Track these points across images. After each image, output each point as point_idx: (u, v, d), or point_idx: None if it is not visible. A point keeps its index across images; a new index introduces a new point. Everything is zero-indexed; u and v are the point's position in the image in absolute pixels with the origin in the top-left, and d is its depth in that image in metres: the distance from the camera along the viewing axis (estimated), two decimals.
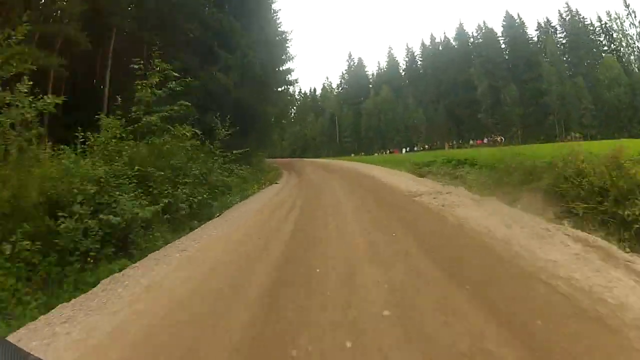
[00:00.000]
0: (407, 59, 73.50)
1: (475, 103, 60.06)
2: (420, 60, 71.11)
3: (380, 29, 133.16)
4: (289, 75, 25.69)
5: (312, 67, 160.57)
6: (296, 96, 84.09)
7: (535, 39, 63.29)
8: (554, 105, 55.36)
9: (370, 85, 73.38)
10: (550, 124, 55.99)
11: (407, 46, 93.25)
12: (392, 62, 74.10)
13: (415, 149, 54.84)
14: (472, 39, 66.73)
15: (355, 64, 76.97)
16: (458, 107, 60.80)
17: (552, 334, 2.40)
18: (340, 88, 78.58)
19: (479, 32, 66.18)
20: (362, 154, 57.22)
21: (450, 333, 2.47)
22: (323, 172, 19.21)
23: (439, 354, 2.29)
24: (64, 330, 2.96)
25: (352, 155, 56.33)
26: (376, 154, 53.49)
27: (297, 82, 27.22)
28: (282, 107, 27.06)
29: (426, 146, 55.04)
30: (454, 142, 53.78)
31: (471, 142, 51.44)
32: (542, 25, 63.36)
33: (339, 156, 51.81)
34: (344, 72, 77.99)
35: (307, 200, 9.58)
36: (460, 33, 67.67)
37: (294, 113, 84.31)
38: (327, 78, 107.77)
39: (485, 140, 49.85)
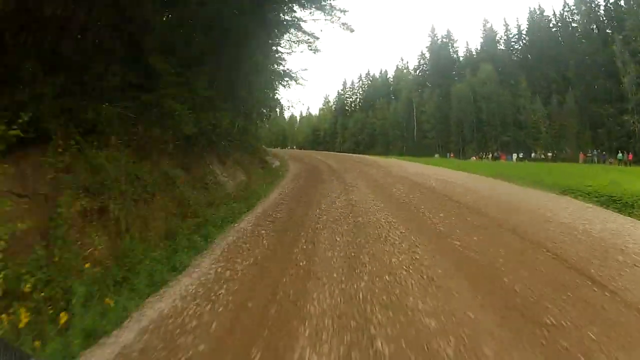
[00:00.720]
0: (505, 37, 57.47)
1: (621, 98, 43.52)
2: (525, 38, 54.47)
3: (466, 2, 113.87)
4: None
5: (382, 46, 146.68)
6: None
7: None
8: None
9: (454, 72, 58.56)
10: None
11: (504, 21, 75.86)
12: (490, 36, 58.19)
13: (533, 155, 39.77)
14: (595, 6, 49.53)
15: (439, 40, 62.45)
16: (594, 102, 44.50)
17: None
18: (418, 70, 64.68)
19: None
20: (451, 155, 43.24)
21: None
22: None
23: None
24: None
25: (436, 156, 42.69)
26: (473, 158, 39.49)
27: None
28: None
29: (549, 154, 39.64)
30: (593, 153, 37.79)
31: (619, 155, 35.43)
32: None
33: (417, 156, 38.66)
34: (425, 50, 63.83)
35: None
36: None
37: (360, 99, 72.59)
38: (402, 59, 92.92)
39: None
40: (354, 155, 35.28)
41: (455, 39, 62.72)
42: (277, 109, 36.64)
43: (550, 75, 47.98)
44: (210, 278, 4.00)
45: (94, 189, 4.25)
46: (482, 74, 47.62)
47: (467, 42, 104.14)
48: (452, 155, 42.94)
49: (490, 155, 40.59)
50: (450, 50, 62.20)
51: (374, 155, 36.83)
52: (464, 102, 46.95)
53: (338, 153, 40.40)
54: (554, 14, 52.84)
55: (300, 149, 71.71)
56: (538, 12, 53.52)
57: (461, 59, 61.28)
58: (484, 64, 48.96)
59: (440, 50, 61.22)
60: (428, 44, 63.49)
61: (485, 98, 45.13)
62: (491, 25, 58.94)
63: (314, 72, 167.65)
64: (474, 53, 59.54)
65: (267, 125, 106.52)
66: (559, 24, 51.51)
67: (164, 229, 5.10)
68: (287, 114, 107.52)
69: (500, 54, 55.06)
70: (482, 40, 59.20)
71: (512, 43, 56.16)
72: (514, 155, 38.90)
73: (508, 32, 57.02)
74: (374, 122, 60.02)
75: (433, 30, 65.85)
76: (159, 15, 6.93)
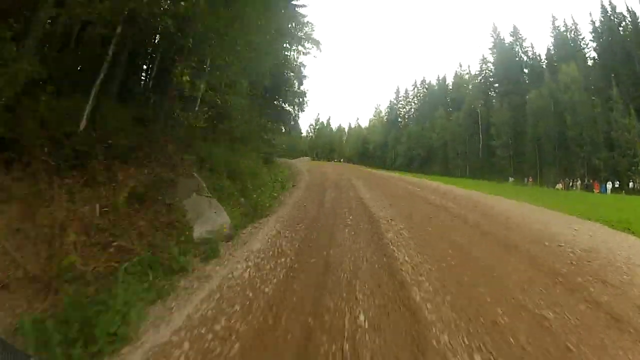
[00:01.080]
0: (574, 37, 49.57)
1: None
2: (601, 37, 46.18)
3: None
4: None
5: (437, 50, 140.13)
6: (418, 86, 67.25)
7: None
8: None
9: (525, 78, 51.86)
10: None
11: (572, 19, 66.97)
12: (560, 36, 50.60)
13: (631, 185, 32.76)
14: None
15: (504, 40, 55.62)
16: None
17: None
18: (480, 77, 58.48)
19: None
20: (529, 180, 37.30)
21: None
22: None
23: None
24: None
25: (511, 180, 37.07)
26: (559, 186, 33.51)
27: None
28: None
29: None
30: None
31: None
32: None
33: (485, 179, 33.47)
34: (488, 52, 56.88)
35: None
36: None
37: (414, 108, 67.46)
38: (460, 65, 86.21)
39: None
40: (419, 181, 22.87)
41: (523, 38, 55.53)
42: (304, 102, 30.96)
43: None
44: None
45: None
46: (566, 77, 40.59)
47: (531, 44, 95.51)
48: (530, 179, 36.99)
49: (579, 182, 34.24)
50: (519, 50, 55.39)
51: (436, 177, 31.94)
52: (541, 113, 40.36)
53: (393, 174, 35.64)
54: (628, 10, 44.88)
55: (348, 162, 68.06)
56: (610, 9, 45.71)
57: (530, 61, 54.52)
58: (565, 65, 41.96)
59: (507, 52, 54.63)
60: (490, 45, 57.29)
61: (569, 108, 38.33)
62: (565, 21, 51.60)
63: (363, 79, 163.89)
64: (541, 57, 52.55)
65: (309, 133, 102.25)
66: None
67: None
68: (333, 123, 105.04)
69: (579, 56, 47.73)
70: (552, 39, 51.76)
71: (589, 42, 48.37)
72: (609, 185, 32.44)
73: (577, 32, 49.53)
74: (431, 135, 54.79)
75: (495, 29, 58.65)
76: None
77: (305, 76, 30.00)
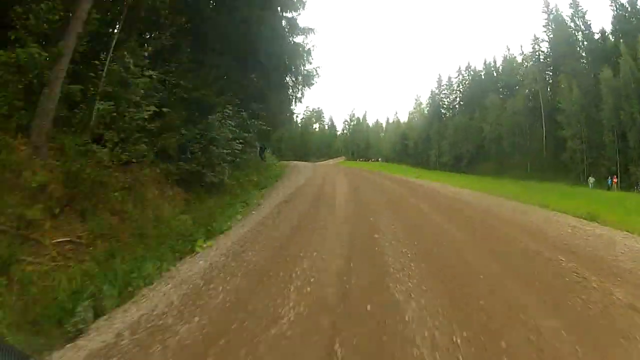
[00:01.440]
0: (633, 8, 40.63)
1: None
2: None
3: None
4: None
5: (482, 33, 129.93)
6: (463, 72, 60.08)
7: None
8: None
9: (589, 56, 43.68)
10: None
11: None
12: (623, 9, 41.75)
13: None
14: None
15: (561, 13, 47.37)
16: None
17: None
18: (532, 60, 50.69)
19: None
20: (614, 180, 29.81)
21: None
22: None
23: None
24: None
25: (591, 181, 30.10)
26: None
27: None
28: None
29: None
30: None
31: None
32: None
33: (552, 180, 27.17)
34: (542, 29, 50.25)
35: None
36: None
37: (459, 97, 60.26)
38: (508, 48, 76.55)
39: None
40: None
41: (584, 10, 46.72)
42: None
43: None
44: None
45: None
46: None
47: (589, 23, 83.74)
48: (614, 180, 29.81)
49: None
50: (581, 24, 46.90)
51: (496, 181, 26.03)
52: (618, 95, 32.67)
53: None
54: None
55: (386, 161, 62.80)
56: None
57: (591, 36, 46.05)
58: None
59: (565, 27, 46.54)
60: (543, 22, 49.50)
61: None
62: None
63: (401, 70, 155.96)
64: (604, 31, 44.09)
65: (344, 131, 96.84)
66: None
67: None
68: (370, 119, 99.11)
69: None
70: (614, 13, 42.84)
71: None
72: None
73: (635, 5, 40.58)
74: (482, 127, 48.02)
75: (547, 4, 50.43)
76: None
77: (310, 29, 18.67)
